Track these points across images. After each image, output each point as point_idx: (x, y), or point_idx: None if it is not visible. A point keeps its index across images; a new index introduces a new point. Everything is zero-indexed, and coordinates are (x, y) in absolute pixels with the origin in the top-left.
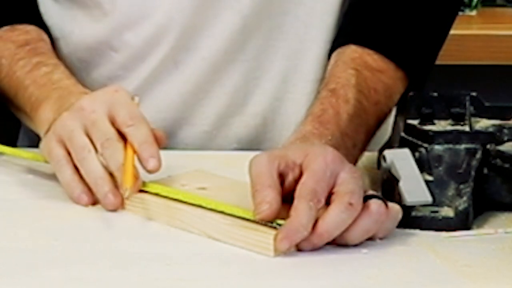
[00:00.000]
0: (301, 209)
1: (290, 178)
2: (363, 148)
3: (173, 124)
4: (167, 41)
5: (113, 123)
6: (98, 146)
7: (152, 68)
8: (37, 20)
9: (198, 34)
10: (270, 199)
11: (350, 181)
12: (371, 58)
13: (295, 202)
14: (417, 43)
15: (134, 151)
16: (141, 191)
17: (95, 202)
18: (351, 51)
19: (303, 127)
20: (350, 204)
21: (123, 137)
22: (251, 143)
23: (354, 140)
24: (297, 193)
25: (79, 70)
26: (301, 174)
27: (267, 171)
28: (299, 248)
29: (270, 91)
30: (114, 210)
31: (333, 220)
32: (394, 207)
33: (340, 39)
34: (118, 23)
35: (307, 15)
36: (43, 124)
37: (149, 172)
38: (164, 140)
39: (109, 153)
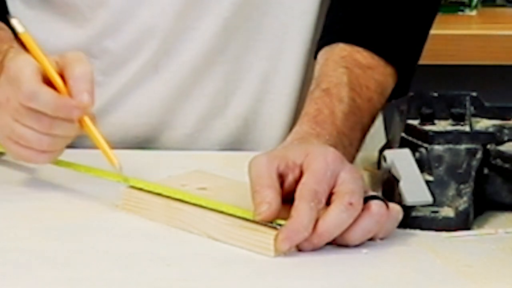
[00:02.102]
0: (302, 210)
1: (290, 178)
2: (359, 146)
3: (154, 128)
4: (148, 46)
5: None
6: (44, 132)
7: (132, 73)
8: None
9: (179, 38)
10: (270, 199)
11: (350, 181)
12: (361, 55)
13: (296, 202)
14: (404, 38)
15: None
16: (141, 191)
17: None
18: (340, 50)
19: (300, 127)
20: (350, 204)
21: None
22: (233, 145)
23: (350, 138)
24: (297, 194)
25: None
26: (301, 174)
27: (266, 172)
28: (299, 248)
29: (251, 92)
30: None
31: (333, 220)
32: (395, 208)
33: (327, 37)
34: (98, 31)
35: (286, 16)
36: None
37: (84, 107)
38: None
39: (57, 133)
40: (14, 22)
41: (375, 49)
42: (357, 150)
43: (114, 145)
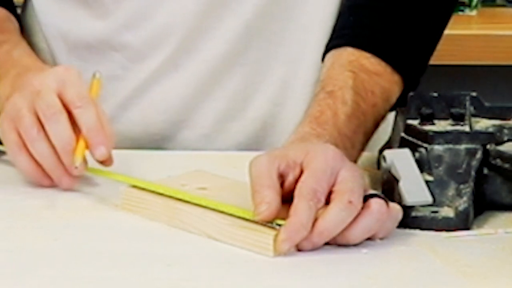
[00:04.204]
0: (301, 209)
1: (290, 177)
2: (362, 149)
3: (172, 126)
4: (169, 43)
5: (62, 100)
6: (41, 116)
7: (152, 69)
8: (8, 5)
9: (200, 37)
10: (269, 199)
11: (350, 179)
12: (368, 61)
13: (295, 201)
14: (413, 47)
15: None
16: (141, 190)
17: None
18: (348, 54)
19: (301, 128)
20: (350, 202)
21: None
22: (250, 148)
23: (352, 141)
24: (297, 192)
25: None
26: (301, 173)
27: (267, 172)
28: (299, 248)
29: (270, 96)
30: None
31: (333, 219)
32: (395, 207)
33: (335, 41)
34: (119, 23)
35: (307, 21)
36: (1, 101)
37: (97, 160)
38: (112, 139)
39: (53, 130)
40: (97, 73)
41: (383, 56)
42: (360, 153)
43: (133, 142)
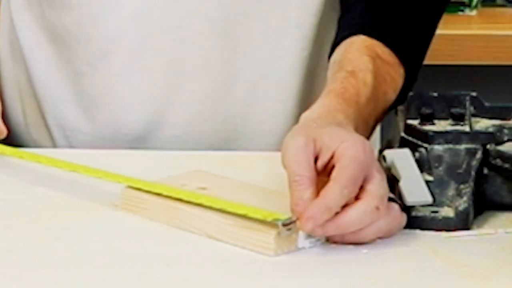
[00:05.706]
0: (332, 192)
1: (319, 163)
2: (370, 134)
3: (143, 127)
4: (131, 39)
5: None
6: None
7: (118, 66)
8: None
9: (164, 35)
10: (308, 196)
11: (382, 184)
12: (381, 49)
13: (330, 183)
14: (415, 43)
15: None
16: (141, 190)
17: None
18: (363, 40)
19: (327, 100)
20: (377, 208)
21: None
22: (221, 149)
23: (368, 124)
24: (334, 175)
25: (53, 63)
26: (331, 158)
27: (305, 158)
28: (310, 232)
29: (241, 97)
30: None
31: (355, 217)
32: (403, 214)
33: (346, 31)
34: (83, 17)
35: (279, 23)
36: None
37: None
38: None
39: None
40: None
41: (394, 47)
42: (369, 139)
43: (106, 143)
